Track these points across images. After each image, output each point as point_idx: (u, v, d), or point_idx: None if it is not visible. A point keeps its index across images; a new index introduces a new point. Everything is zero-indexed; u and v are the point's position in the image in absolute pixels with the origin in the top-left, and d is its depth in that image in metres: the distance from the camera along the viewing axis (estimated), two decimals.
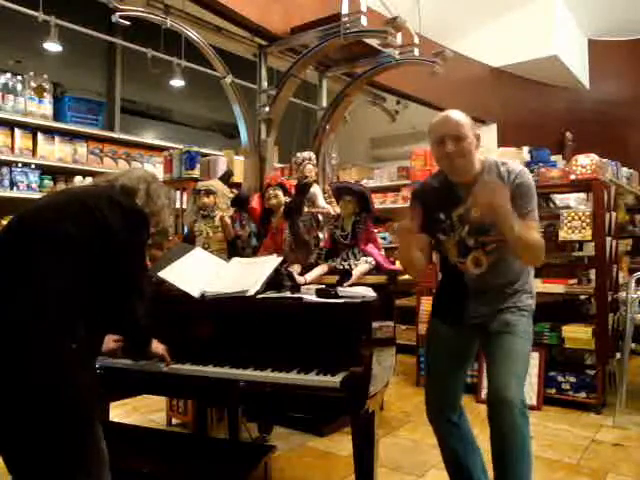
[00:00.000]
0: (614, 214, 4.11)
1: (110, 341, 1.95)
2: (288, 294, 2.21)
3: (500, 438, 1.94)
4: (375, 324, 1.92)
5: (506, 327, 2.03)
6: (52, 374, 1.39)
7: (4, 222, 4.59)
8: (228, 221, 3.34)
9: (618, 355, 3.87)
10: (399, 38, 4.16)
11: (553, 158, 4.71)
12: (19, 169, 4.68)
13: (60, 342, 1.41)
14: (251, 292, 2.16)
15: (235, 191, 3.74)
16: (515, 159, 4.01)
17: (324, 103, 4.94)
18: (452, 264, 2.10)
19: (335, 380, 1.75)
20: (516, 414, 1.89)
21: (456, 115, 2.01)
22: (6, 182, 4.59)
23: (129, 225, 1.62)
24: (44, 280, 1.45)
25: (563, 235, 3.87)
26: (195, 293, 2.21)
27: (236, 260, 2.55)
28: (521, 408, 1.92)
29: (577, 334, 3.80)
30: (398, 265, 3.51)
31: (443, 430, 2.17)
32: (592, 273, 3.89)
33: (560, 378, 3.89)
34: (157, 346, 2.00)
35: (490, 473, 2.13)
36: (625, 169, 5.44)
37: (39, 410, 1.39)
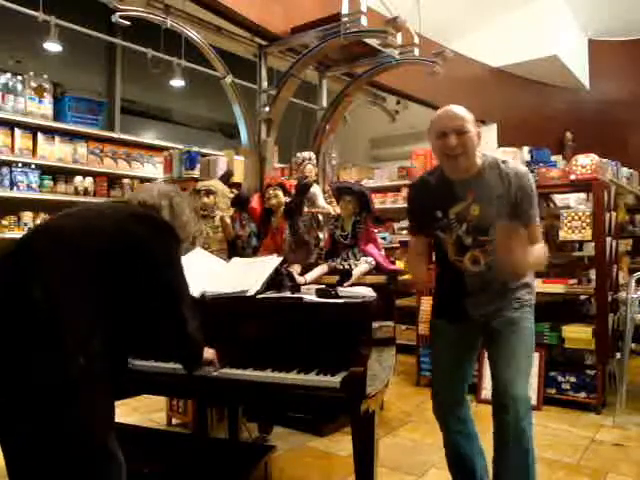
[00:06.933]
0: (614, 214, 4.11)
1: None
2: (288, 294, 2.21)
3: (504, 437, 1.96)
4: (375, 324, 1.92)
5: (509, 326, 2.03)
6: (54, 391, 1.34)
7: (4, 222, 4.59)
8: (228, 221, 3.34)
9: (618, 355, 3.86)
10: (399, 38, 4.16)
11: (553, 158, 4.72)
12: (19, 169, 4.68)
13: (67, 357, 1.34)
14: (251, 292, 2.16)
15: (235, 191, 3.74)
16: (515, 159, 4.00)
17: (324, 103, 4.94)
18: (451, 261, 2.10)
19: (335, 380, 1.75)
20: (521, 413, 1.93)
21: (458, 109, 2.00)
22: (6, 182, 4.59)
23: (160, 237, 1.58)
24: (58, 295, 1.37)
25: (563, 235, 3.87)
26: (195, 293, 2.20)
27: (236, 260, 2.55)
28: (526, 406, 1.96)
29: (577, 334, 3.79)
30: (398, 265, 3.51)
31: (449, 426, 2.16)
32: (592, 273, 3.89)
33: (560, 378, 3.89)
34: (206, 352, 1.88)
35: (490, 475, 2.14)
36: (625, 169, 5.44)
37: (36, 427, 1.36)
